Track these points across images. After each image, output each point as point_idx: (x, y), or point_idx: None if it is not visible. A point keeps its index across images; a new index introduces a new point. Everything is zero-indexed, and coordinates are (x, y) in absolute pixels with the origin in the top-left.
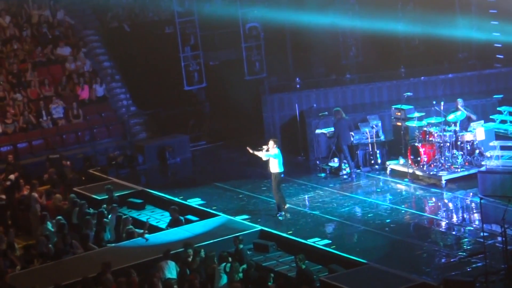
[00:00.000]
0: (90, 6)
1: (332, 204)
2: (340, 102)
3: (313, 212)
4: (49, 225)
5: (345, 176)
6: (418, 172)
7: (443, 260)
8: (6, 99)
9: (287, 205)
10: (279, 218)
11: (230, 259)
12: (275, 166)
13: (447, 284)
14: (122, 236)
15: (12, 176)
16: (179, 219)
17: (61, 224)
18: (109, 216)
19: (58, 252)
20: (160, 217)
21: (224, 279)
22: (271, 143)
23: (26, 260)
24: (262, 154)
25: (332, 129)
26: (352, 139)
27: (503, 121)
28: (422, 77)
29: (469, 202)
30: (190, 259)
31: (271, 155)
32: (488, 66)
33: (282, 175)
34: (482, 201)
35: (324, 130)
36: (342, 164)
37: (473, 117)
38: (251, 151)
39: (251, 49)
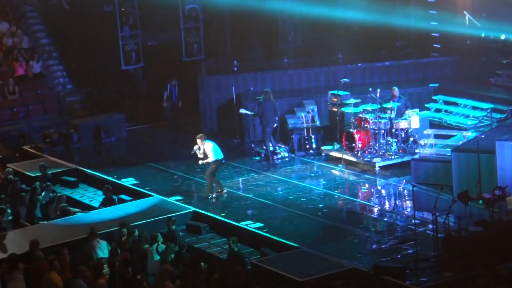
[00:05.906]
0: None
1: (266, 188)
2: (277, 86)
3: (247, 195)
4: None
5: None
6: (352, 158)
7: (374, 246)
8: None
9: (225, 190)
10: (211, 200)
11: (161, 239)
12: (212, 157)
13: (377, 270)
14: (56, 214)
15: None
16: (112, 198)
17: None
18: (42, 193)
19: None
20: (93, 196)
21: (157, 260)
22: (198, 140)
23: None
24: (199, 156)
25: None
26: (276, 123)
27: (437, 110)
28: (360, 64)
29: (401, 189)
30: (123, 239)
31: (210, 152)
32: (425, 55)
33: (224, 161)
34: (414, 188)
35: (248, 112)
36: (277, 148)
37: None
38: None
39: (190, 31)
